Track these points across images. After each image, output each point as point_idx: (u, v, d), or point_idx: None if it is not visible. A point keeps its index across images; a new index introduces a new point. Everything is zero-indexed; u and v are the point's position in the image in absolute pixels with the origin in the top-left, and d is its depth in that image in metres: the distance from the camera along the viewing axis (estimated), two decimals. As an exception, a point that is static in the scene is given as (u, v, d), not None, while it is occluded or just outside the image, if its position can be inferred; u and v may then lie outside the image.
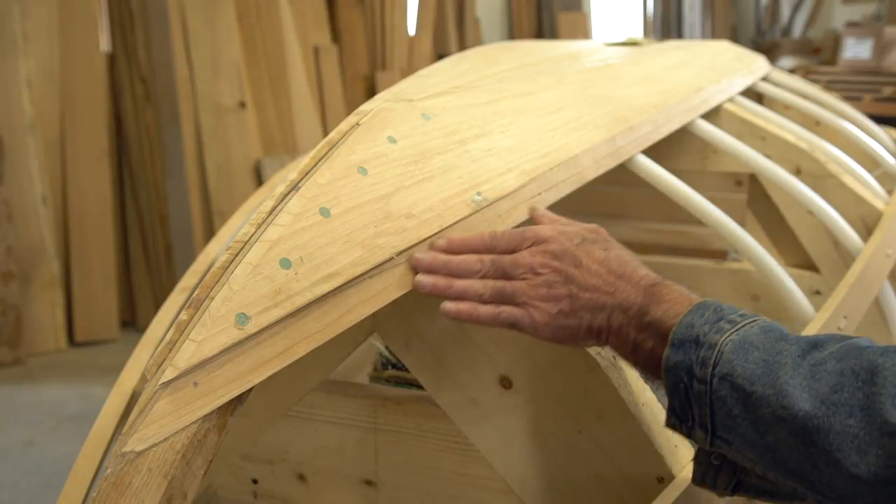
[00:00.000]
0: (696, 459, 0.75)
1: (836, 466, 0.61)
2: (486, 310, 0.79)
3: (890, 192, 1.64)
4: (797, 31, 8.58)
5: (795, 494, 0.68)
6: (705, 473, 0.74)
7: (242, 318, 0.68)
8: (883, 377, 0.61)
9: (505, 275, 0.80)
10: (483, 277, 0.80)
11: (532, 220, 0.89)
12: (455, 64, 1.41)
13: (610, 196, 2.09)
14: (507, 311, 0.79)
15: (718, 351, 0.69)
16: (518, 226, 0.92)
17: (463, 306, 0.79)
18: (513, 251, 0.82)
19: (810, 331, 1.13)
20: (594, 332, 0.79)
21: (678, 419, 0.73)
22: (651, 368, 0.77)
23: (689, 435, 0.73)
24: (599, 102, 1.23)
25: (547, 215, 0.90)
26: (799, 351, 0.67)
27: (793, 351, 0.67)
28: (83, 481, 1.12)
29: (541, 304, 0.78)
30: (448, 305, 0.79)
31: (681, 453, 0.88)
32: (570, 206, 1.01)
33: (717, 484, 0.74)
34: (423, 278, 0.79)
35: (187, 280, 1.49)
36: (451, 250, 0.81)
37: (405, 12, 4.65)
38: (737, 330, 0.70)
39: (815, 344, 0.68)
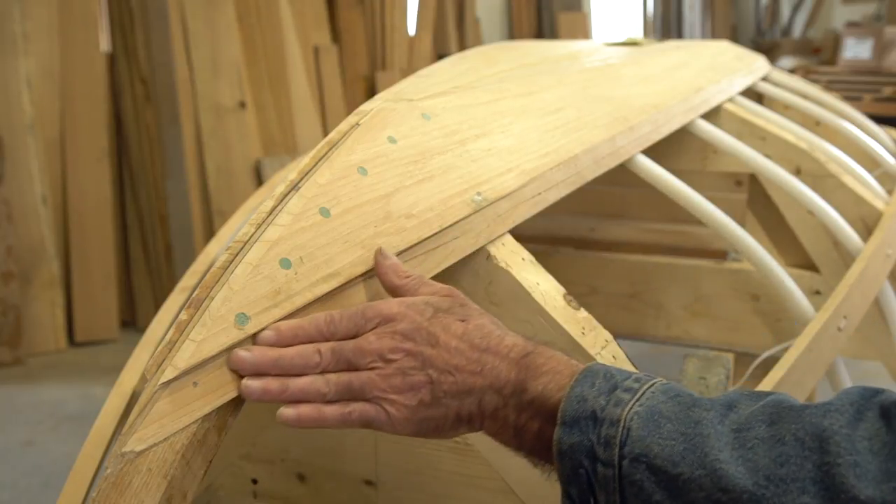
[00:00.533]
0: None
1: None
2: (332, 411, 0.67)
3: (890, 192, 1.65)
4: (797, 31, 8.58)
5: None
6: None
7: (242, 318, 0.68)
8: (836, 444, 0.54)
9: (350, 365, 0.68)
10: (324, 372, 0.68)
11: (376, 266, 0.76)
12: (455, 64, 1.41)
13: (610, 196, 2.09)
14: (357, 409, 0.67)
15: (624, 427, 0.60)
16: (523, 226, 0.91)
17: (304, 410, 0.67)
18: (355, 335, 0.70)
19: (810, 331, 1.13)
20: (464, 420, 0.69)
21: None
22: (539, 452, 0.67)
23: None
24: (599, 102, 1.23)
25: (392, 265, 0.75)
26: (718, 417, 0.59)
27: (711, 418, 0.59)
28: (83, 481, 1.12)
29: (396, 396, 0.67)
30: (286, 412, 0.66)
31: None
32: (570, 206, 1.01)
33: None
34: (250, 382, 0.66)
35: (187, 280, 1.49)
36: (281, 342, 0.68)
37: (405, 12, 4.65)
38: (638, 399, 0.62)
39: (729, 405, 0.61)
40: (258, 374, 0.67)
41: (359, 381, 0.68)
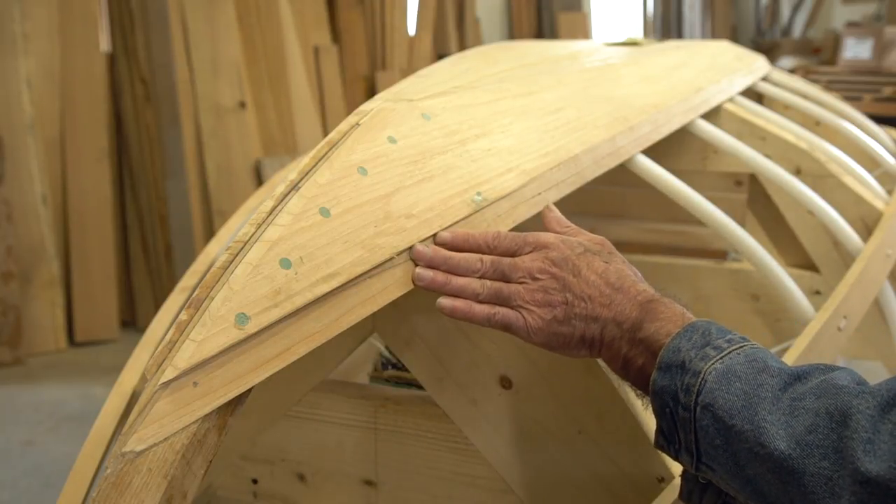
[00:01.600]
0: (684, 476, 0.75)
1: None
2: (480, 309, 0.79)
3: (890, 192, 1.65)
4: (797, 31, 8.58)
5: None
6: (692, 491, 0.74)
7: (242, 318, 0.68)
8: (856, 421, 0.61)
9: (504, 277, 0.80)
10: (482, 277, 0.80)
11: (543, 218, 0.90)
12: (455, 64, 1.41)
13: (610, 196, 2.09)
14: (501, 312, 0.78)
15: (702, 379, 0.69)
16: (523, 225, 0.92)
17: (458, 303, 0.79)
18: (514, 254, 0.81)
19: (810, 331, 1.13)
20: (587, 342, 0.78)
21: (666, 441, 0.73)
22: (641, 385, 0.76)
23: (676, 457, 0.73)
24: (599, 102, 1.23)
25: (556, 217, 0.90)
26: (780, 384, 0.67)
27: (774, 384, 0.67)
28: (83, 481, 1.12)
29: (536, 308, 0.78)
30: (444, 301, 0.79)
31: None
32: (570, 206, 1.01)
33: (702, 503, 0.74)
34: (422, 272, 0.79)
35: (187, 280, 1.49)
36: (453, 246, 0.82)
37: (405, 12, 4.65)
38: (721, 358, 0.70)
39: (799, 376, 0.68)
40: (431, 266, 0.80)
41: (508, 290, 0.79)
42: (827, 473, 0.61)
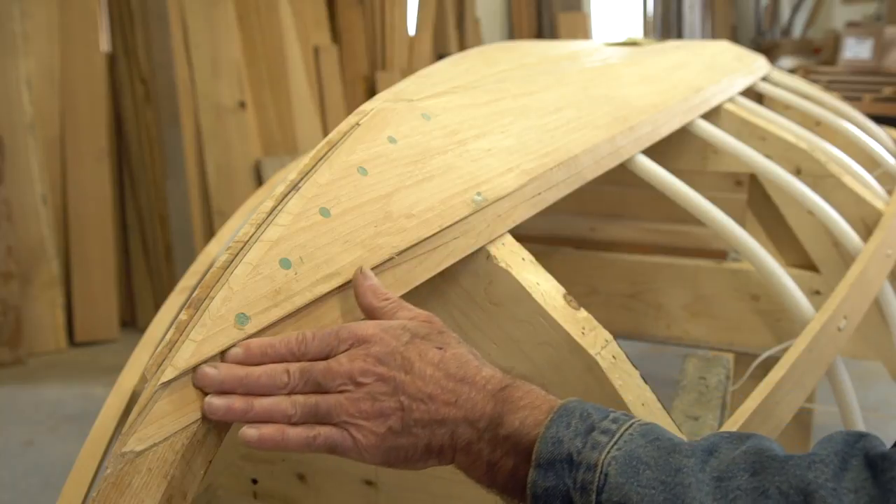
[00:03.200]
0: None
1: None
2: (296, 433, 0.65)
3: (890, 192, 1.64)
4: (797, 31, 8.59)
5: None
6: None
7: (242, 318, 0.68)
8: (821, 499, 0.53)
9: (319, 387, 0.66)
10: (291, 393, 0.66)
11: (354, 286, 0.74)
12: (455, 64, 1.41)
13: (610, 196, 2.09)
14: (323, 433, 0.65)
15: (601, 473, 0.59)
16: (524, 222, 0.91)
17: (267, 431, 0.64)
18: (327, 356, 0.67)
19: (810, 331, 1.13)
20: (434, 451, 0.66)
21: None
22: (513, 491, 0.65)
23: None
24: (599, 102, 1.23)
25: (372, 286, 0.73)
26: (699, 464, 0.58)
27: (691, 465, 0.57)
28: (83, 481, 1.12)
29: (364, 422, 0.65)
30: (248, 432, 0.64)
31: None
32: (571, 206, 1.01)
33: None
34: (214, 401, 0.64)
35: (187, 280, 1.49)
36: (249, 360, 0.66)
37: (405, 12, 4.65)
38: (616, 443, 0.60)
39: (709, 450, 0.59)
40: (223, 391, 0.65)
41: (326, 405, 0.65)
42: None
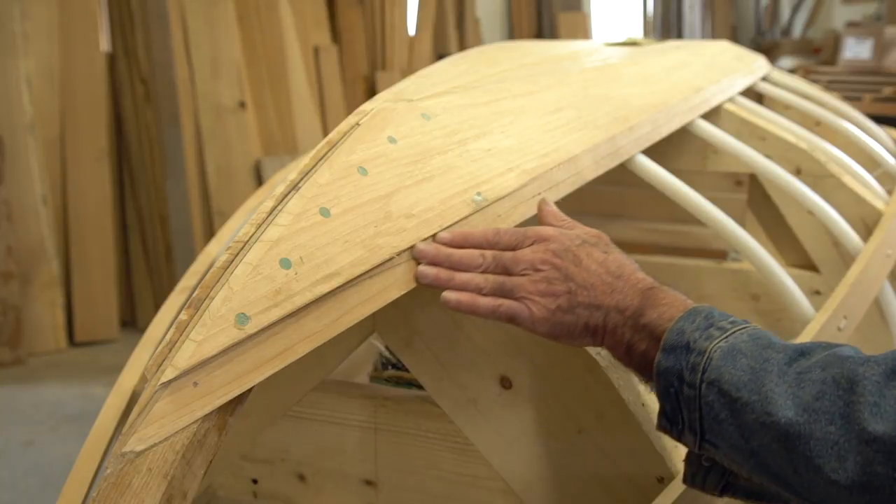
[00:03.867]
0: (687, 460, 0.77)
1: (816, 472, 0.63)
2: (485, 302, 0.80)
3: (890, 192, 1.64)
4: (797, 31, 8.59)
5: (781, 497, 0.69)
6: (695, 474, 0.76)
7: (242, 318, 0.68)
8: (862, 386, 0.63)
9: (506, 270, 0.81)
10: (484, 272, 0.81)
11: (539, 212, 0.90)
12: (455, 64, 1.41)
13: (610, 196, 2.09)
14: (506, 304, 0.79)
15: (707, 357, 0.70)
16: (524, 222, 0.92)
17: (463, 297, 0.80)
18: (515, 248, 0.82)
19: (810, 331, 1.13)
20: (590, 330, 0.79)
21: (669, 422, 0.74)
22: (644, 370, 0.77)
23: (679, 438, 0.74)
24: (599, 102, 1.23)
25: (552, 211, 0.90)
26: (786, 359, 0.68)
27: (779, 359, 0.68)
28: (83, 481, 1.12)
29: (539, 299, 0.79)
30: (448, 295, 0.80)
31: (681, 453, 0.88)
32: (570, 206, 1.01)
33: (706, 485, 0.75)
34: (425, 269, 0.80)
35: (187, 280, 1.49)
36: (454, 244, 0.82)
37: (405, 12, 4.65)
38: (726, 337, 0.71)
39: (803, 352, 0.69)
40: (433, 264, 0.80)
41: (511, 283, 0.80)
42: (833, 438, 0.62)
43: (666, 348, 0.73)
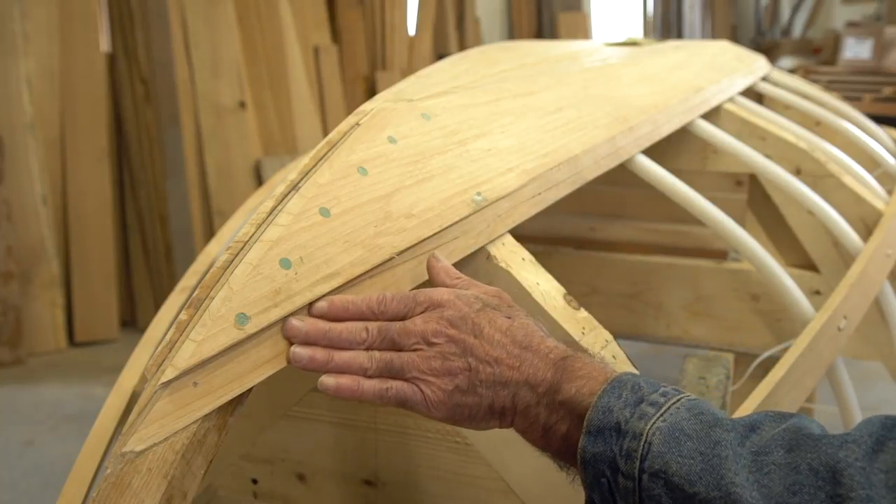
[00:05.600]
0: None
1: None
2: (370, 385, 0.69)
3: (890, 192, 1.65)
4: (797, 31, 8.59)
5: None
6: None
7: (242, 318, 0.68)
8: (849, 476, 0.55)
9: (394, 345, 0.71)
10: (369, 348, 0.71)
11: (428, 269, 0.80)
12: (455, 64, 1.41)
13: (610, 196, 2.09)
14: (395, 387, 0.69)
15: (645, 442, 0.61)
16: (524, 222, 0.91)
17: (344, 381, 0.69)
18: (404, 317, 0.72)
19: (810, 331, 1.13)
20: (496, 412, 0.70)
21: None
22: (565, 455, 0.68)
23: None
24: (599, 102, 1.23)
25: (444, 268, 0.79)
26: (737, 438, 0.60)
27: (730, 439, 0.60)
28: (83, 481, 1.12)
29: (433, 379, 0.69)
30: (326, 380, 0.69)
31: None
32: (570, 206, 1.01)
33: None
34: (299, 350, 0.69)
35: (187, 280, 1.49)
36: (332, 316, 0.72)
37: (405, 12, 4.65)
38: (662, 414, 0.62)
39: (752, 426, 0.61)
40: (308, 343, 0.70)
41: (400, 361, 0.70)
42: None
43: (591, 430, 0.64)
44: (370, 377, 0.70)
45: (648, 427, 0.62)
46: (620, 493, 0.62)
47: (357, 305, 0.72)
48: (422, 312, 0.72)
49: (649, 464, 0.61)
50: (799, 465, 0.57)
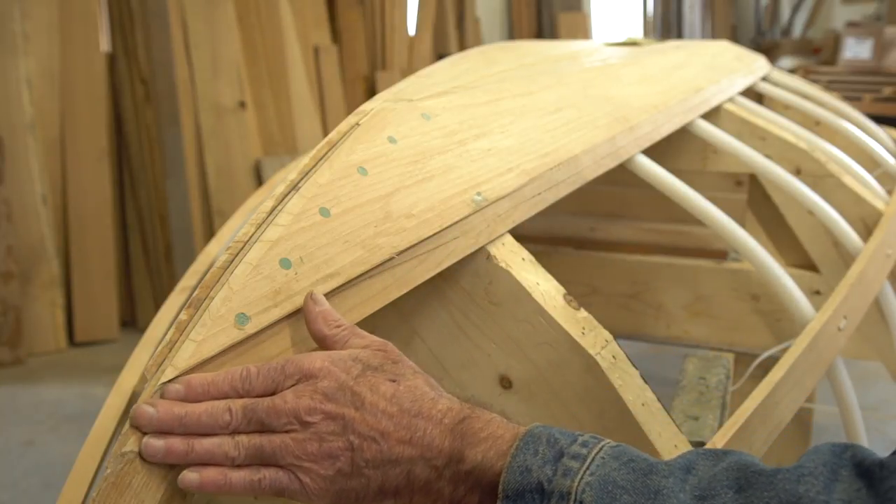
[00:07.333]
0: None
1: None
2: (240, 477, 0.61)
3: (890, 192, 1.64)
4: (797, 31, 8.59)
5: None
6: None
7: (242, 318, 0.68)
8: None
9: (263, 426, 0.62)
10: (235, 433, 0.62)
11: (305, 313, 0.69)
12: (455, 64, 1.41)
13: (610, 196, 2.09)
14: (269, 476, 0.61)
15: (576, 501, 0.56)
16: (524, 222, 0.91)
17: (209, 474, 0.60)
18: (273, 392, 0.63)
19: (810, 331, 1.13)
20: (389, 492, 0.62)
21: None
22: None
23: None
24: (599, 102, 1.23)
25: (323, 313, 0.68)
26: (678, 484, 0.55)
27: (671, 485, 0.55)
28: (83, 481, 1.12)
29: (311, 465, 0.61)
30: (188, 476, 0.60)
31: (682, 451, 0.88)
32: (570, 206, 1.01)
33: None
34: (152, 442, 0.60)
35: (187, 280, 1.49)
36: (190, 397, 0.62)
37: (405, 12, 4.65)
38: (588, 467, 0.57)
39: (686, 468, 0.57)
40: (162, 431, 0.61)
41: (271, 446, 0.61)
42: None
43: (510, 495, 0.57)
44: (239, 466, 0.61)
45: (576, 484, 0.56)
46: None
47: (217, 384, 0.63)
48: (293, 385, 0.63)
49: None
50: None
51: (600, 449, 0.59)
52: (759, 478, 0.54)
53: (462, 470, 0.60)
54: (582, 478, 0.57)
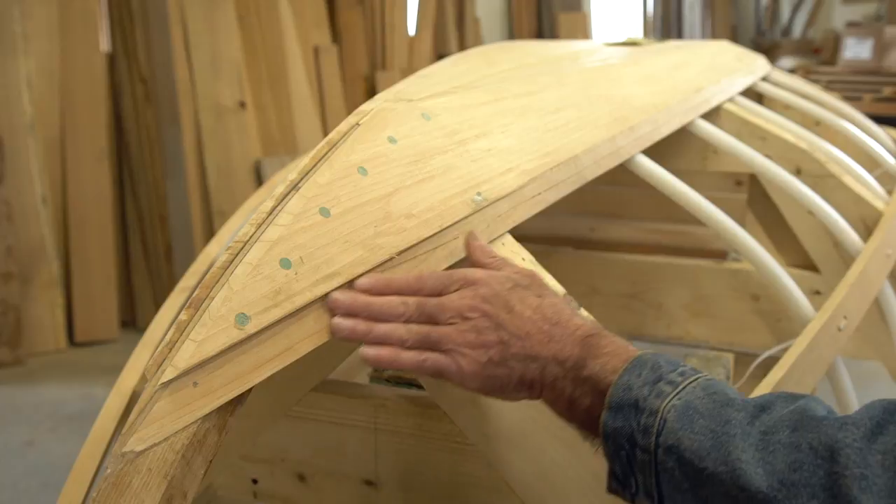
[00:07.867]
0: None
1: None
2: (408, 356, 0.73)
3: (890, 192, 1.64)
4: (797, 31, 8.59)
5: None
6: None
7: (242, 318, 0.68)
8: (845, 456, 0.57)
9: (431, 319, 0.75)
10: (407, 321, 0.75)
11: (466, 248, 0.84)
12: (455, 64, 1.41)
13: (610, 196, 2.09)
14: (431, 358, 0.73)
15: (661, 418, 0.65)
16: (524, 222, 0.91)
17: (383, 352, 0.73)
18: (440, 294, 0.76)
19: (810, 331, 1.13)
20: (526, 383, 0.73)
21: (620, 485, 0.69)
22: (589, 427, 0.72)
23: (632, 501, 0.68)
24: (599, 102, 1.23)
25: (481, 247, 0.84)
26: (747, 417, 0.63)
27: (740, 418, 0.63)
28: (83, 481, 1.12)
29: (468, 351, 0.73)
30: (367, 350, 0.73)
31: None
32: (570, 206, 1.01)
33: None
34: (340, 322, 0.73)
35: (187, 280, 1.49)
36: (373, 291, 0.75)
37: (405, 12, 4.65)
38: (678, 393, 0.66)
39: (763, 406, 0.64)
40: (350, 315, 0.73)
41: (436, 334, 0.73)
42: None
43: (612, 406, 0.68)
44: (408, 349, 0.73)
45: (664, 405, 0.65)
46: (638, 465, 0.66)
47: (397, 282, 0.76)
48: (456, 290, 0.76)
49: (664, 439, 0.64)
50: (801, 444, 0.60)
51: (694, 380, 0.67)
52: (810, 421, 0.61)
53: (582, 375, 0.71)
54: (670, 401, 0.65)
